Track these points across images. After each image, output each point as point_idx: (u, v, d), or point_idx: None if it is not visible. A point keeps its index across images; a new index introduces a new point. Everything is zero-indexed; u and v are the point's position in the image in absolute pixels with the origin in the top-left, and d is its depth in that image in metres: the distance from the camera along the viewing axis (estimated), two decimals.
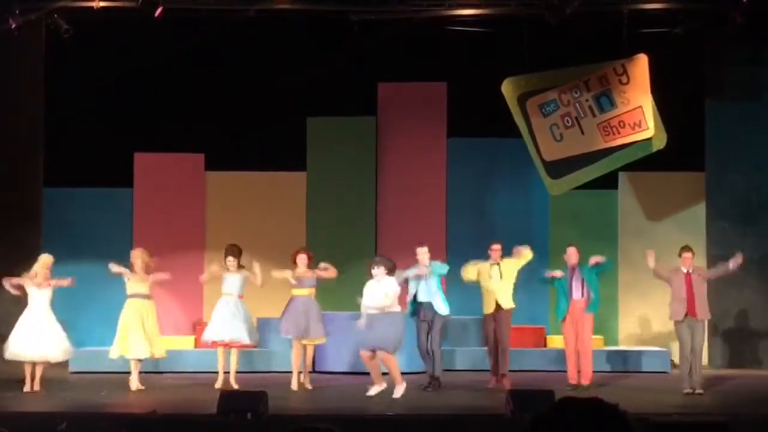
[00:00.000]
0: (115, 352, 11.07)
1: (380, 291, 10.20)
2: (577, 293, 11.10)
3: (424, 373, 11.26)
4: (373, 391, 10.20)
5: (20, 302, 11.28)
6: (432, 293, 11.15)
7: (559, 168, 12.92)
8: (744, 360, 13.45)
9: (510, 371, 11.27)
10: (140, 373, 11.15)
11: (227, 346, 11.18)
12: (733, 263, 11.00)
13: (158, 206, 14.01)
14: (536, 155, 12.94)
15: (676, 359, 11.92)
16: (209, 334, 11.22)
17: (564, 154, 12.88)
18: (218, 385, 10.95)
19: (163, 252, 11.43)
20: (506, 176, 14.24)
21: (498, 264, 11.13)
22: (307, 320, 11.16)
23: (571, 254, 11.13)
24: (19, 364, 11.03)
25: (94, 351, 11.98)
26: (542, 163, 12.95)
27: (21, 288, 11.01)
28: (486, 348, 11.57)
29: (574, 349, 11.13)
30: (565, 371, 11.27)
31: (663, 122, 12.76)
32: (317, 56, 13.62)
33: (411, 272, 10.90)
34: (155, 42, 12.94)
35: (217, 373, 11.27)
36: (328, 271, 11.32)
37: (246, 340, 11.17)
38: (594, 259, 11.13)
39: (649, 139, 12.74)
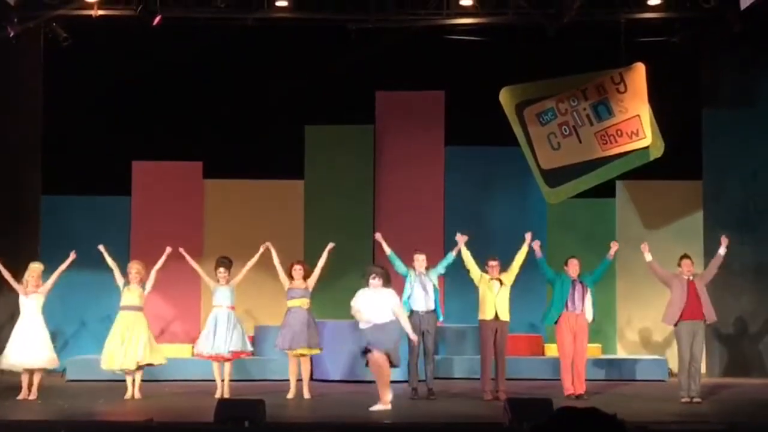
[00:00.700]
0: (103, 363, 11.08)
1: (383, 304, 10.04)
2: (578, 305, 11.09)
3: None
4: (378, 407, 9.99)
5: (14, 314, 11.31)
6: (429, 299, 11.11)
7: (556, 176, 12.95)
8: (742, 368, 13.46)
9: (507, 379, 11.23)
10: (141, 381, 11.13)
11: (218, 359, 11.18)
12: (722, 249, 11.04)
13: (156, 214, 14.02)
14: (534, 164, 12.96)
15: (674, 367, 11.92)
16: (202, 347, 11.21)
17: (562, 163, 12.90)
18: (218, 395, 10.94)
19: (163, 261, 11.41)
20: (504, 185, 14.27)
21: (498, 279, 11.11)
22: (300, 332, 11.17)
23: (573, 266, 11.12)
24: (15, 372, 11.05)
25: (91, 359, 11.97)
26: (540, 171, 12.97)
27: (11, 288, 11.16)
28: (480, 356, 11.36)
29: (571, 361, 11.10)
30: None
31: (660, 131, 12.80)
32: (315, 65, 13.65)
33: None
34: (154, 50, 12.97)
35: (213, 381, 11.26)
36: (319, 268, 11.30)
37: (238, 348, 11.16)
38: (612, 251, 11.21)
39: (647, 147, 12.78)
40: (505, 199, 14.26)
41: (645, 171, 13.12)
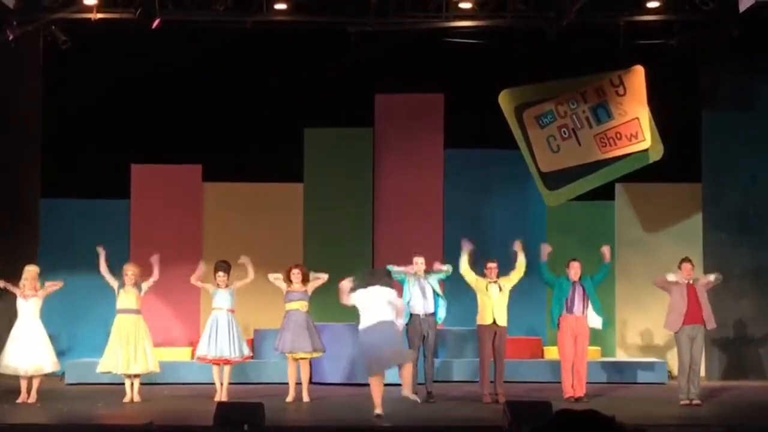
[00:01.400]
0: (102, 366, 11.07)
1: (389, 304, 9.96)
2: (578, 308, 11.08)
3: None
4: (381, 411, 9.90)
5: (11, 317, 11.31)
6: (428, 302, 11.10)
7: (556, 179, 12.95)
8: (741, 371, 13.45)
9: (506, 382, 11.23)
10: (141, 384, 11.12)
11: (219, 362, 11.17)
12: (713, 276, 11.06)
13: (155, 218, 14.02)
14: (533, 166, 12.97)
15: (674, 370, 11.91)
16: (204, 351, 11.21)
17: (561, 166, 12.91)
18: (217, 398, 10.93)
19: (160, 263, 11.38)
20: (503, 187, 14.27)
21: (496, 282, 11.10)
22: (298, 335, 11.17)
23: (575, 269, 11.11)
24: (13, 376, 11.04)
25: (91, 362, 11.96)
26: (539, 174, 12.97)
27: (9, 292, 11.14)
28: (478, 359, 11.36)
29: (572, 363, 11.09)
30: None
31: (659, 133, 12.80)
32: (314, 67, 13.66)
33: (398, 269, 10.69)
34: (153, 53, 12.97)
35: (212, 384, 11.25)
36: (319, 279, 11.38)
37: (236, 356, 11.15)
38: (606, 254, 11.21)
39: (646, 150, 12.78)
40: (504, 201, 14.26)
41: (644, 174, 13.12)
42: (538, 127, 12.89)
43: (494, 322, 11.02)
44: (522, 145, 12.93)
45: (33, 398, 10.87)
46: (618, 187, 14.09)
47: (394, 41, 12.79)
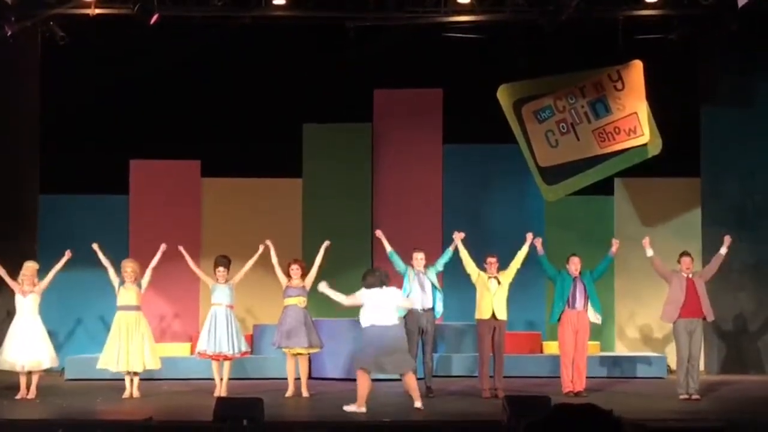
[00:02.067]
0: (102, 362, 11.06)
1: (399, 308, 9.96)
2: (579, 303, 11.08)
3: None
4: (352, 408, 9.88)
5: (10, 310, 11.31)
6: (427, 297, 11.12)
7: (554, 174, 12.95)
8: (740, 365, 13.46)
9: (505, 377, 11.24)
10: (140, 380, 11.13)
11: (219, 358, 11.17)
12: (724, 248, 11.03)
13: (154, 213, 14.01)
14: (532, 161, 12.96)
15: (673, 365, 11.92)
16: (204, 346, 11.20)
17: (559, 160, 12.90)
18: (217, 393, 10.93)
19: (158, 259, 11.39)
20: (502, 182, 14.27)
21: (496, 277, 11.11)
22: (296, 330, 11.17)
23: (575, 264, 11.11)
24: (12, 371, 11.04)
25: (90, 358, 11.97)
26: (538, 169, 12.97)
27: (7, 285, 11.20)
28: (478, 354, 11.38)
29: (572, 358, 11.09)
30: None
31: (658, 128, 12.79)
32: (313, 63, 13.65)
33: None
34: (151, 49, 12.96)
35: (212, 379, 11.26)
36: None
37: (234, 352, 11.14)
38: (614, 246, 11.21)
39: (645, 145, 12.77)
40: (503, 196, 14.26)
41: (643, 168, 13.11)
42: (537, 122, 12.89)
43: (493, 316, 11.02)
44: (520, 139, 12.93)
45: (32, 394, 10.87)
46: (617, 181, 14.09)
47: (393, 37, 12.78)
